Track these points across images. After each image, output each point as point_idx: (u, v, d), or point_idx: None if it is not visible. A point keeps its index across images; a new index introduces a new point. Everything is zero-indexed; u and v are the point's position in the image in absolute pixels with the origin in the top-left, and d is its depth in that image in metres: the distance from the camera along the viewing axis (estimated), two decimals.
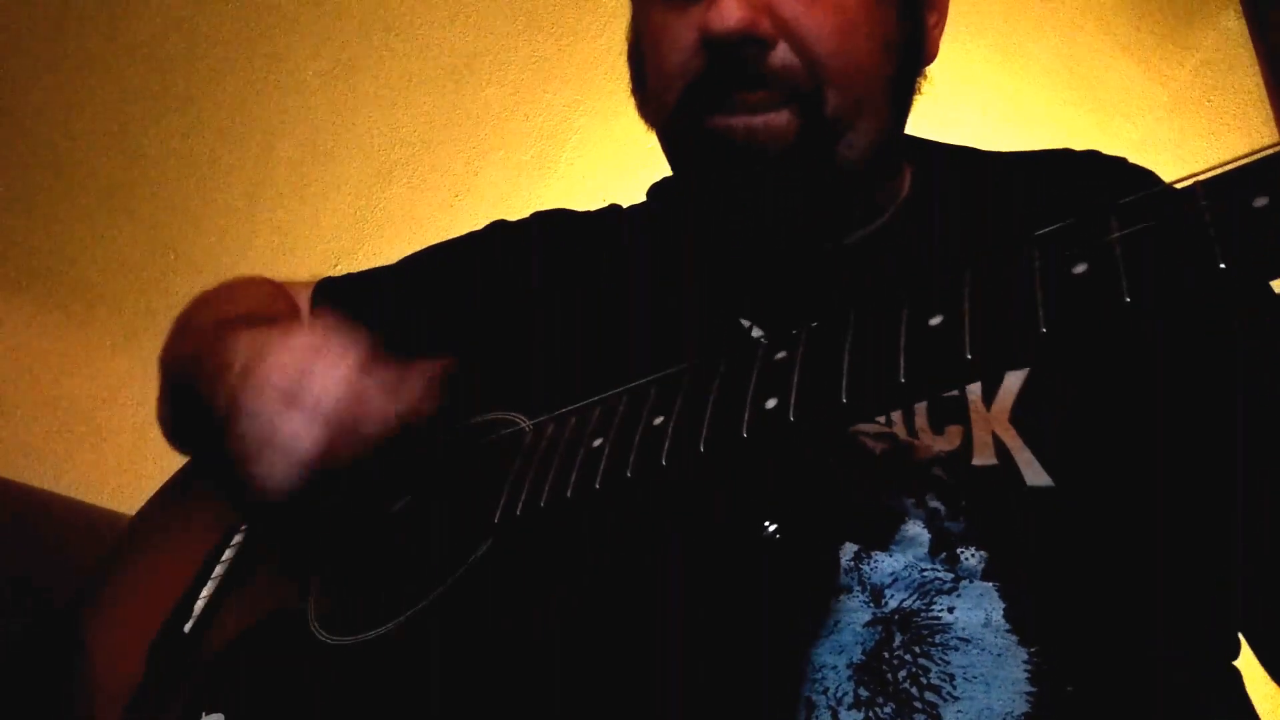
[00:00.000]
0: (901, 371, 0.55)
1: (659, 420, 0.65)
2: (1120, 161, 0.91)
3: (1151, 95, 2.28)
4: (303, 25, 2.16)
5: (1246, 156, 0.49)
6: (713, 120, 0.81)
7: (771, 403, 0.60)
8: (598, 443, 0.68)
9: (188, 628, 0.82)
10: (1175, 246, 0.49)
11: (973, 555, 0.68)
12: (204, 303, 1.00)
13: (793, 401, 0.59)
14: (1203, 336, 0.74)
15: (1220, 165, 0.49)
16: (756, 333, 0.85)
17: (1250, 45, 2.18)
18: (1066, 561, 0.68)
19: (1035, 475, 0.70)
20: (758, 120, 0.80)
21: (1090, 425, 0.72)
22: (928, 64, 0.92)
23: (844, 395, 0.57)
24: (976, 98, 2.29)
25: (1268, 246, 0.46)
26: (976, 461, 0.71)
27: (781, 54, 0.79)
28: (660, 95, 0.86)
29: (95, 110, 2.17)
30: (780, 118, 0.80)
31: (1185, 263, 0.48)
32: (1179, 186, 0.52)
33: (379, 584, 0.78)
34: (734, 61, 0.79)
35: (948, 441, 0.72)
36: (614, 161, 2.27)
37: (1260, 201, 0.46)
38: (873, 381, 0.57)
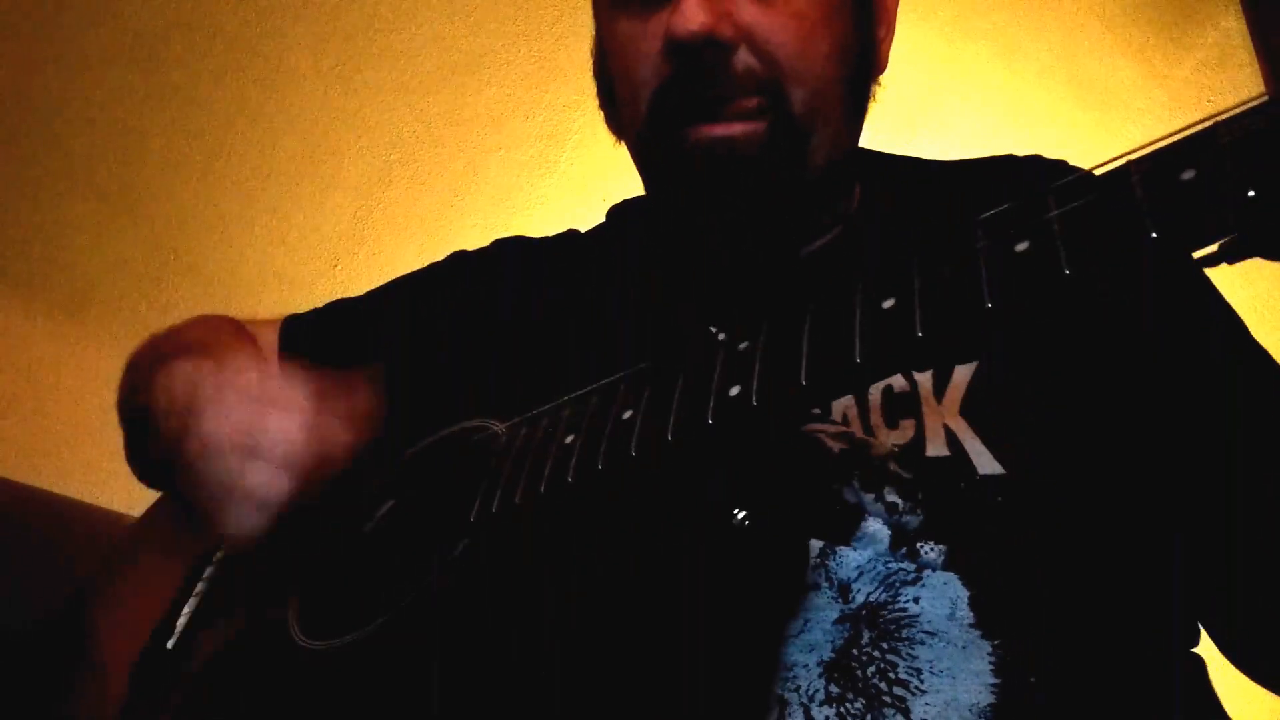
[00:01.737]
0: (857, 352, 0.58)
1: (628, 414, 0.67)
2: (1060, 164, 0.93)
3: (1151, 95, 2.28)
4: (303, 25, 2.16)
5: (1176, 133, 0.52)
6: (692, 131, 0.83)
7: (735, 390, 0.62)
8: (569, 439, 0.70)
9: (170, 644, 0.82)
10: (1110, 220, 0.51)
11: (932, 549, 0.69)
12: (150, 343, 1.00)
13: (755, 387, 0.61)
14: (1142, 324, 0.77)
15: (1152, 142, 0.52)
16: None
17: (1250, 45, 2.18)
18: (1022, 550, 0.70)
19: (987, 464, 0.72)
20: (736, 129, 0.82)
21: (1039, 414, 0.75)
22: (878, 73, 0.94)
23: (803, 378, 0.60)
24: (976, 98, 2.29)
25: (1195, 215, 0.49)
26: (930, 453, 0.73)
27: (743, 57, 0.82)
28: (631, 104, 0.88)
29: (95, 110, 2.17)
30: (753, 128, 0.82)
31: (1120, 234, 0.51)
32: (1113, 165, 0.54)
33: (358, 588, 0.78)
34: (698, 66, 0.81)
35: (901, 434, 0.74)
36: (614, 161, 2.27)
37: (1188, 174, 0.49)
38: (830, 364, 0.59)
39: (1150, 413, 0.77)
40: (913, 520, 0.70)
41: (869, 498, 0.71)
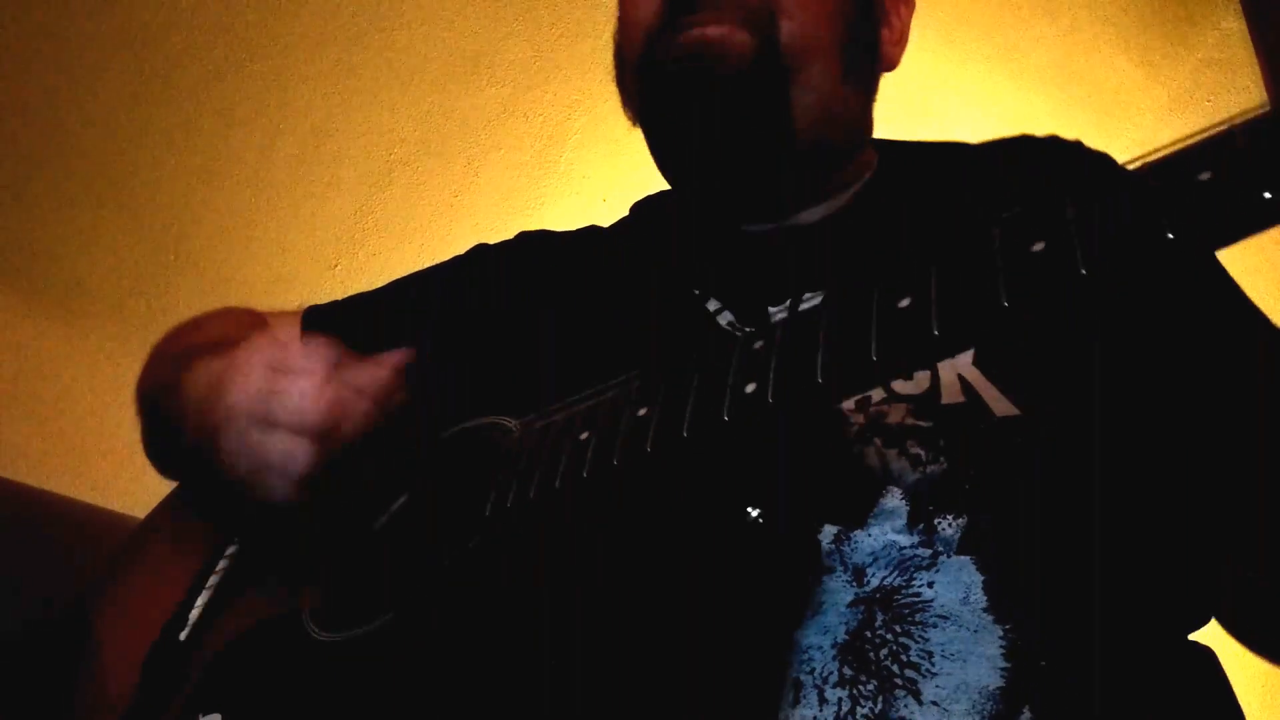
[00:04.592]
0: (873, 350, 0.59)
1: (643, 411, 0.68)
2: (1077, 145, 0.94)
3: (1151, 95, 2.29)
4: (303, 25, 2.16)
5: (1190, 137, 0.52)
6: (672, 42, 0.85)
7: (750, 387, 0.63)
8: (584, 435, 0.71)
9: (183, 636, 0.83)
10: (1126, 220, 0.52)
11: (950, 525, 0.70)
12: (174, 334, 1.02)
13: (771, 384, 0.62)
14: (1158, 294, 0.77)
15: (1168, 145, 0.53)
16: (725, 317, 0.86)
17: (1250, 45, 2.18)
18: (1036, 505, 0.71)
19: (1002, 408, 0.74)
20: (713, 30, 0.84)
21: (1051, 361, 0.76)
22: (885, 69, 0.97)
23: (819, 375, 0.60)
24: (977, 98, 2.29)
25: (1211, 216, 0.50)
26: (945, 401, 0.75)
27: None
28: (630, 50, 0.91)
29: (95, 110, 2.17)
30: (736, 31, 0.84)
31: (1136, 234, 0.52)
32: (1131, 168, 0.55)
33: (371, 581, 0.79)
34: None
35: (916, 386, 0.76)
36: (614, 161, 2.27)
37: (1204, 176, 0.50)
38: (846, 362, 0.60)
39: (1160, 378, 0.78)
40: (936, 470, 0.71)
41: (892, 453, 0.73)
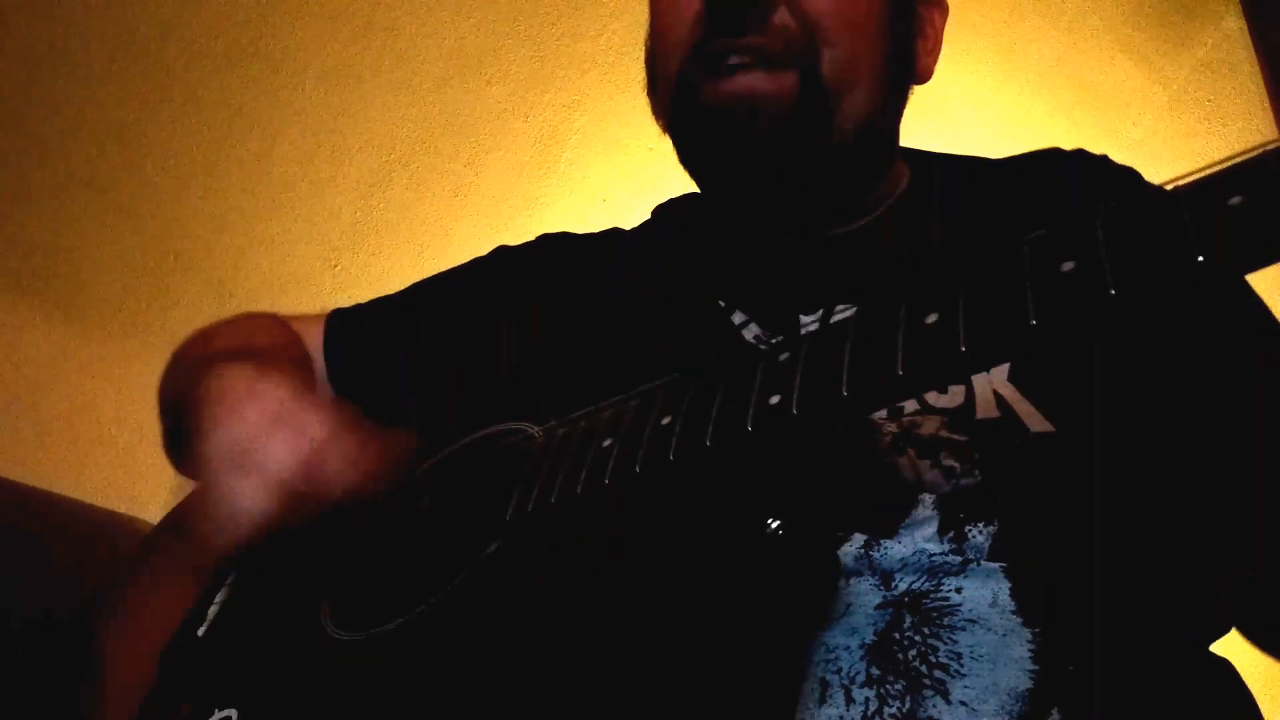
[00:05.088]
0: (900, 365, 0.58)
1: (667, 420, 0.67)
2: (1104, 160, 0.94)
3: (1151, 95, 2.29)
4: (303, 25, 2.16)
5: (1224, 161, 0.53)
6: (713, 88, 0.84)
7: (775, 399, 0.62)
8: (607, 442, 0.70)
9: (201, 632, 0.83)
10: (1156, 242, 0.52)
11: (980, 532, 0.70)
12: (197, 339, 1.02)
13: (795, 397, 0.62)
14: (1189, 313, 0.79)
15: (1201, 170, 0.54)
16: (751, 330, 0.86)
17: (1250, 45, 2.18)
18: (1070, 519, 0.71)
19: (1037, 424, 0.74)
20: (757, 84, 0.82)
21: (1086, 378, 0.76)
22: (918, 82, 0.96)
23: (845, 389, 0.60)
24: (977, 98, 2.29)
25: (1242, 240, 0.50)
26: (980, 416, 0.75)
27: (781, 15, 0.83)
28: (665, 68, 0.89)
29: (95, 110, 2.17)
30: (778, 80, 0.83)
31: (1165, 257, 0.52)
32: (1163, 189, 0.55)
33: (391, 583, 0.79)
34: (735, 18, 0.82)
35: (951, 400, 0.76)
36: (614, 161, 2.27)
37: (1235, 200, 0.50)
38: (872, 376, 0.60)
39: (1189, 394, 0.79)
40: (969, 482, 0.72)
41: (925, 464, 0.73)
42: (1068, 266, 0.54)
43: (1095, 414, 0.75)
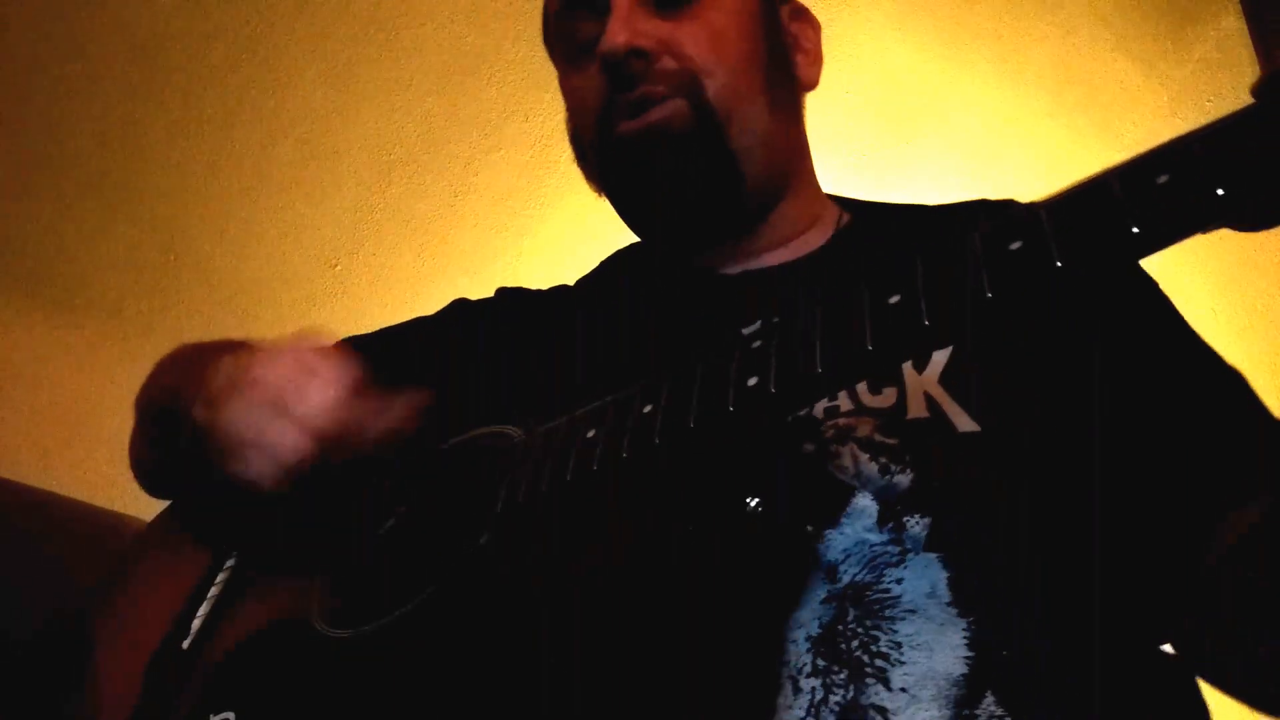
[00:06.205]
0: (869, 341, 0.63)
1: (648, 408, 0.71)
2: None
3: (1151, 95, 2.29)
4: (303, 25, 2.16)
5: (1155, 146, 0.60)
6: (626, 125, 0.95)
7: (753, 380, 0.67)
8: (591, 433, 0.74)
9: (186, 644, 0.83)
10: (1095, 219, 0.59)
11: (917, 522, 0.74)
12: (180, 352, 1.05)
13: (772, 376, 0.66)
14: (1103, 307, 0.86)
15: (1134, 155, 0.60)
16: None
17: (1250, 45, 2.18)
18: (998, 510, 0.76)
19: (964, 423, 0.79)
20: (654, 115, 0.94)
21: (1009, 383, 0.82)
22: (807, 90, 1.07)
23: (819, 366, 0.65)
24: (977, 98, 2.29)
25: (1170, 213, 0.56)
26: (910, 415, 0.81)
27: (664, 62, 0.95)
28: (584, 134, 1.01)
29: (95, 110, 2.18)
30: (674, 106, 0.94)
31: (1104, 231, 0.58)
32: (1095, 174, 0.61)
33: (379, 580, 0.80)
34: (626, 74, 0.94)
35: (884, 400, 0.82)
36: None
37: (1162, 178, 0.57)
38: (843, 353, 0.65)
39: (1106, 394, 0.84)
40: (903, 480, 0.76)
41: (864, 457, 0.77)
42: (1016, 245, 0.60)
43: (1018, 414, 0.81)
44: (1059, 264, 0.58)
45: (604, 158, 0.99)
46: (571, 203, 2.37)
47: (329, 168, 2.31)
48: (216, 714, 0.75)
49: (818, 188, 1.08)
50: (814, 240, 1.01)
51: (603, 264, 1.15)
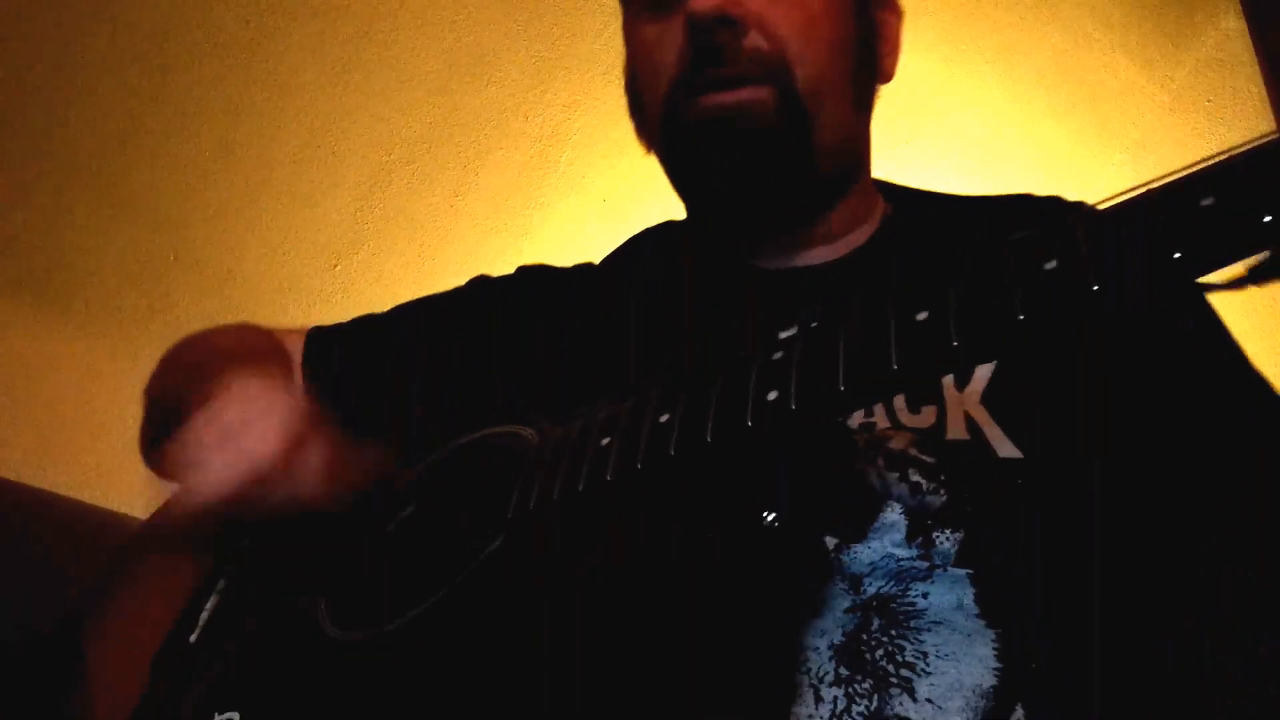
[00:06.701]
0: (894, 359, 0.61)
1: (665, 417, 0.69)
2: (1081, 205, 0.97)
3: (1151, 95, 2.29)
4: (303, 25, 2.16)
5: (1196, 165, 0.57)
6: (704, 99, 0.89)
7: (773, 394, 0.64)
8: (605, 441, 0.72)
9: (193, 639, 0.83)
10: (1135, 241, 0.56)
11: (947, 538, 0.72)
12: (190, 343, 1.04)
13: (793, 392, 0.64)
14: (1155, 331, 0.82)
15: (1171, 174, 0.58)
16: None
17: (1250, 45, 2.18)
18: (1034, 533, 0.74)
19: (1005, 449, 0.77)
20: (740, 95, 0.89)
21: (1055, 406, 0.79)
22: (882, 82, 1.01)
23: (841, 384, 0.62)
24: (977, 98, 2.29)
25: (1214, 238, 0.54)
26: (950, 436, 0.78)
27: (753, 39, 0.89)
28: (651, 95, 0.95)
29: (95, 111, 2.17)
30: (759, 92, 0.89)
31: (1144, 254, 0.55)
32: (1135, 194, 0.58)
33: (390, 581, 0.79)
34: (712, 44, 0.88)
35: (923, 420, 0.78)
36: (614, 161, 2.27)
37: (1207, 201, 0.54)
38: (868, 370, 0.62)
39: (1153, 419, 0.81)
40: (935, 500, 0.74)
41: (893, 476, 0.75)
42: (1051, 265, 0.57)
43: (1061, 442, 0.77)
44: (1095, 287, 0.55)
45: (674, 129, 0.93)
46: (571, 203, 2.37)
47: (329, 168, 2.31)
48: (221, 713, 0.75)
49: (871, 181, 1.03)
50: (858, 238, 0.97)
51: (631, 243, 1.10)
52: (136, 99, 2.17)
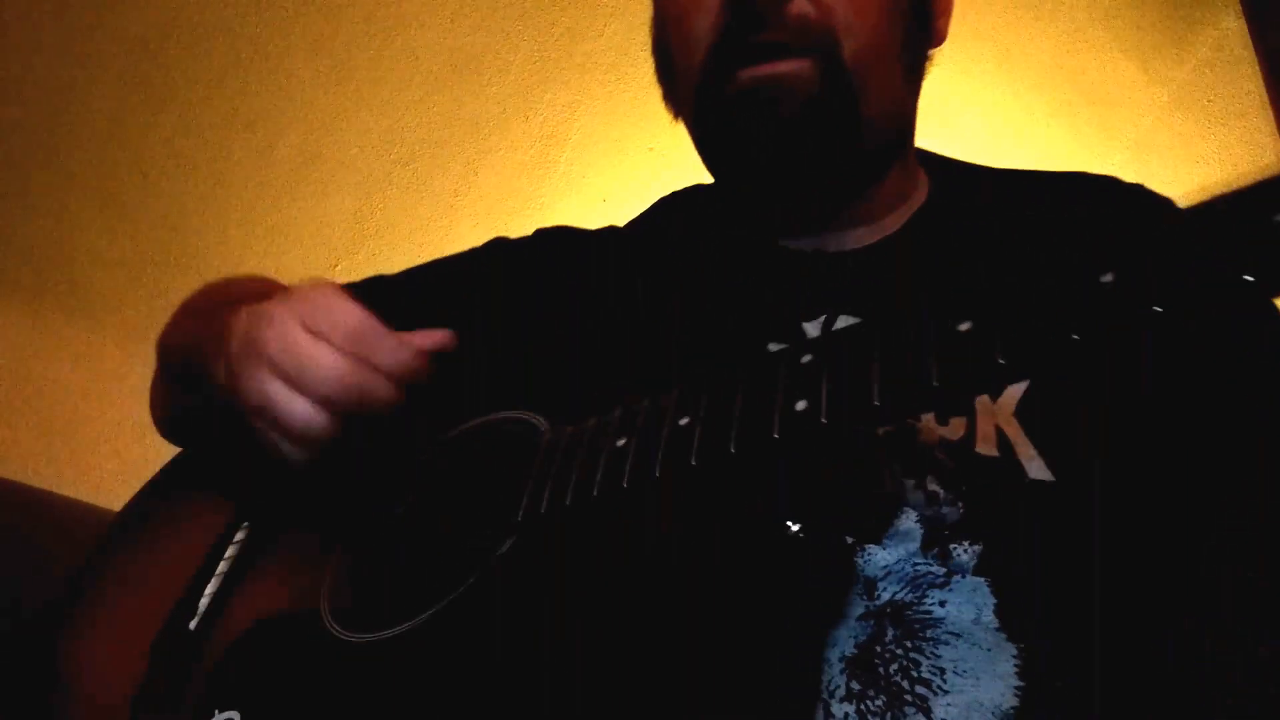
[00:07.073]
0: (934, 375, 0.57)
1: (685, 421, 0.66)
2: (1138, 188, 0.91)
3: (1151, 95, 2.29)
4: (303, 25, 2.16)
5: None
6: (738, 75, 0.83)
7: (801, 405, 0.61)
8: (621, 442, 0.69)
9: (193, 624, 0.81)
10: (1200, 258, 0.51)
11: (965, 550, 0.68)
12: (205, 292, 1.01)
13: (824, 404, 0.60)
14: (1207, 347, 0.76)
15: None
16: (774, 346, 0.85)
17: (1250, 45, 2.18)
18: (1061, 558, 0.69)
19: (1037, 470, 0.72)
20: (781, 67, 0.82)
21: (1095, 426, 0.74)
22: (934, 45, 0.95)
23: (876, 399, 0.58)
24: (977, 97, 2.29)
25: None
26: (979, 450, 0.73)
27: (799, 3, 0.83)
28: (687, 62, 0.89)
29: (95, 110, 2.17)
30: (802, 65, 0.83)
31: (1210, 273, 0.50)
32: (1198, 203, 0.54)
33: (396, 580, 0.78)
34: (754, 10, 0.82)
35: (951, 431, 0.74)
36: (614, 161, 2.27)
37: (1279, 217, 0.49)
38: (904, 385, 0.58)
39: (1205, 440, 0.77)
40: (952, 513, 0.70)
41: (909, 483, 0.71)
42: (1108, 278, 0.53)
43: (1098, 467, 0.72)
44: (1157, 309, 0.51)
45: (709, 100, 0.87)
46: (571, 203, 2.37)
47: (329, 168, 2.31)
48: (221, 711, 0.74)
49: (915, 155, 0.97)
50: (895, 221, 0.91)
51: (656, 208, 1.05)
52: (137, 99, 2.17)
